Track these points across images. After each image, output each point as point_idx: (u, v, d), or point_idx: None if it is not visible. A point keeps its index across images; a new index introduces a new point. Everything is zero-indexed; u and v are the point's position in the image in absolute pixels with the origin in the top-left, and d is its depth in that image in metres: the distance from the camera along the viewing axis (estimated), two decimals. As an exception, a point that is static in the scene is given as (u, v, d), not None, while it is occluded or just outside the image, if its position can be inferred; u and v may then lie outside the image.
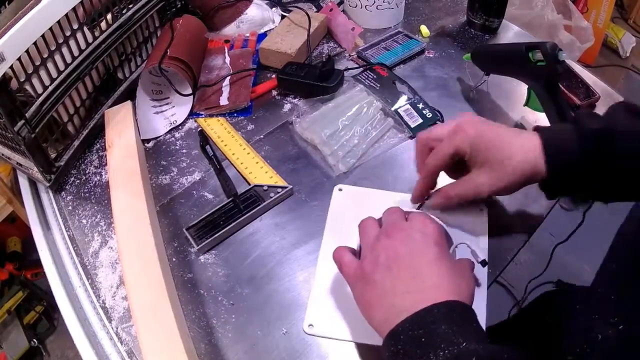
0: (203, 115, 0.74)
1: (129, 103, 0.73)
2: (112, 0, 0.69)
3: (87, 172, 0.69)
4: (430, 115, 0.70)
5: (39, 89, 0.60)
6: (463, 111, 0.71)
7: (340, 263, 0.45)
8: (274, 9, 0.92)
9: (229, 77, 0.77)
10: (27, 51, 0.56)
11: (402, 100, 0.72)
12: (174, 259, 0.57)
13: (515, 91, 0.73)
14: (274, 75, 0.79)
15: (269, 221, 0.59)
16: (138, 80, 0.74)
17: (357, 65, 0.80)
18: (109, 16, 0.69)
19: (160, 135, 0.72)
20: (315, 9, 0.92)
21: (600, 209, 0.62)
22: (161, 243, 0.57)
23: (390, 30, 0.86)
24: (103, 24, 0.68)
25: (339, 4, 0.92)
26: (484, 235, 0.54)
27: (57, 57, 0.62)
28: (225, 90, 0.75)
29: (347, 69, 0.78)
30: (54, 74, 0.62)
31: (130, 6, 0.72)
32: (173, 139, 0.71)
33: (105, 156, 0.67)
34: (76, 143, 0.69)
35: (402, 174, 0.63)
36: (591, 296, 0.39)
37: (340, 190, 0.61)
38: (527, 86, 0.67)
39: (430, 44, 0.84)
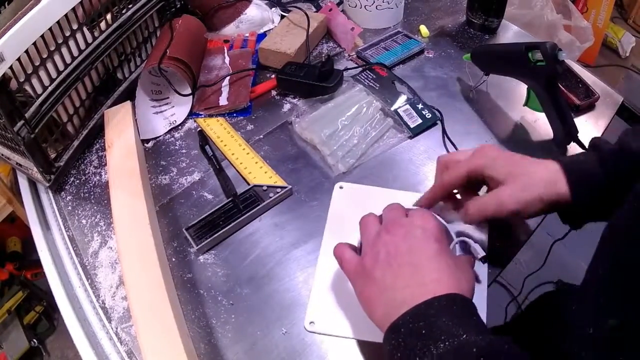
0: (202, 116, 0.74)
1: (128, 103, 0.73)
2: (112, 0, 0.69)
3: (86, 172, 0.69)
4: (430, 115, 0.70)
5: (39, 89, 0.60)
6: (462, 111, 0.71)
7: (341, 259, 0.46)
8: (273, 9, 0.92)
9: (228, 77, 0.77)
10: (26, 51, 0.56)
11: (402, 100, 0.72)
12: (173, 259, 0.57)
13: (515, 91, 0.73)
14: (273, 76, 0.79)
15: (269, 221, 0.59)
16: (137, 80, 0.74)
17: (356, 65, 0.80)
18: (108, 16, 0.69)
19: (160, 136, 0.72)
20: (314, 9, 0.92)
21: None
22: (161, 243, 0.57)
23: (389, 30, 0.86)
24: (103, 24, 0.68)
25: (339, 4, 0.92)
26: (484, 232, 0.54)
27: (57, 58, 0.62)
28: (225, 91, 0.75)
29: (346, 69, 0.78)
30: (54, 74, 0.62)
31: (130, 6, 0.72)
32: (172, 139, 0.71)
33: (105, 156, 0.67)
34: (76, 143, 0.69)
35: (401, 174, 0.63)
36: (584, 295, 0.39)
37: (341, 187, 0.61)
38: (526, 86, 0.67)
39: (430, 44, 0.84)
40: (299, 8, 0.87)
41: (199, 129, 0.72)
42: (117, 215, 0.58)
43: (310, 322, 0.49)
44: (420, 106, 0.71)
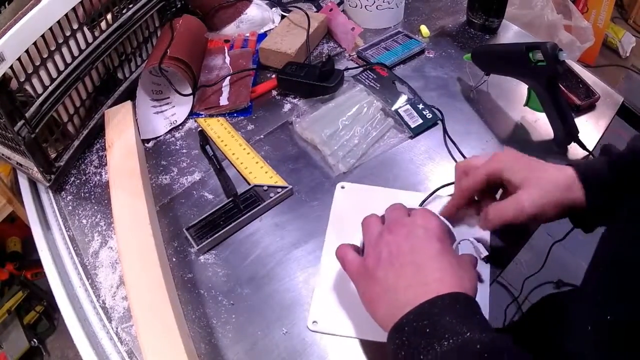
0: (203, 115, 0.74)
1: (129, 103, 0.73)
2: (112, 0, 0.69)
3: (87, 172, 0.69)
4: (430, 115, 0.70)
5: (39, 89, 0.60)
6: (463, 111, 0.71)
7: (343, 260, 0.46)
8: (273, 9, 0.92)
9: (228, 77, 0.77)
10: (27, 51, 0.56)
11: (402, 100, 0.72)
12: (174, 259, 0.57)
13: (515, 91, 0.73)
14: (273, 75, 0.79)
15: (269, 221, 0.59)
16: (138, 80, 0.74)
17: (357, 65, 0.80)
18: (108, 16, 0.69)
19: (160, 135, 0.72)
20: (315, 9, 0.92)
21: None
22: (161, 243, 0.57)
23: (390, 30, 0.86)
24: (103, 24, 0.68)
25: (339, 4, 0.92)
26: (486, 232, 0.54)
27: (57, 57, 0.62)
28: (225, 90, 0.75)
29: (347, 69, 0.78)
30: (54, 74, 0.62)
31: (130, 6, 0.72)
32: (173, 139, 0.71)
33: (105, 156, 0.67)
34: (76, 143, 0.69)
35: (402, 174, 0.63)
36: (583, 294, 0.40)
37: (342, 187, 0.61)
38: (527, 86, 0.67)
39: (430, 44, 0.84)
40: (300, 8, 0.87)
41: (200, 128, 0.72)
42: (117, 215, 0.58)
43: (313, 322, 0.49)
44: (420, 106, 0.71)
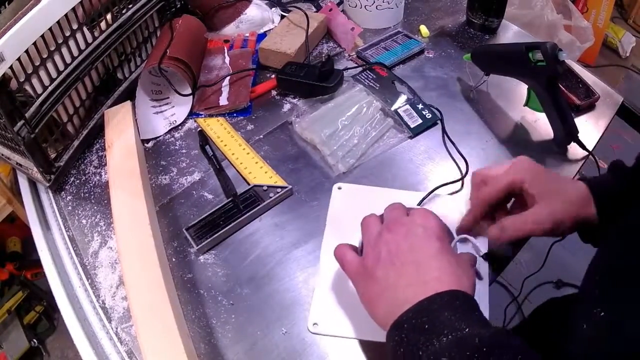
0: (203, 115, 0.74)
1: (128, 103, 0.73)
2: (112, 0, 0.69)
3: (86, 172, 0.69)
4: (430, 115, 0.70)
5: (39, 89, 0.60)
6: (463, 111, 0.71)
7: (342, 261, 0.46)
8: (273, 9, 0.92)
9: (228, 77, 0.77)
10: (26, 51, 0.56)
11: (402, 100, 0.72)
12: (173, 259, 0.57)
13: (515, 91, 0.73)
14: (273, 75, 0.79)
15: (269, 221, 0.59)
16: (138, 80, 0.74)
17: (356, 65, 0.80)
18: (108, 16, 0.69)
19: (160, 136, 0.72)
20: (314, 9, 0.92)
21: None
22: (161, 243, 0.57)
23: (389, 30, 0.86)
24: (103, 24, 0.68)
25: (339, 4, 0.92)
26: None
27: (57, 57, 0.62)
28: (225, 91, 0.75)
29: (346, 69, 0.78)
30: (54, 74, 0.62)
31: (130, 6, 0.72)
32: (173, 139, 0.71)
33: (105, 156, 0.67)
34: (76, 143, 0.69)
35: (401, 174, 0.63)
36: (582, 294, 0.40)
37: (339, 188, 0.61)
38: (527, 86, 0.67)
39: (430, 44, 0.84)
40: (299, 8, 0.87)
41: (199, 129, 0.72)
42: (117, 215, 0.58)
43: (314, 324, 0.49)
44: (420, 106, 0.71)
